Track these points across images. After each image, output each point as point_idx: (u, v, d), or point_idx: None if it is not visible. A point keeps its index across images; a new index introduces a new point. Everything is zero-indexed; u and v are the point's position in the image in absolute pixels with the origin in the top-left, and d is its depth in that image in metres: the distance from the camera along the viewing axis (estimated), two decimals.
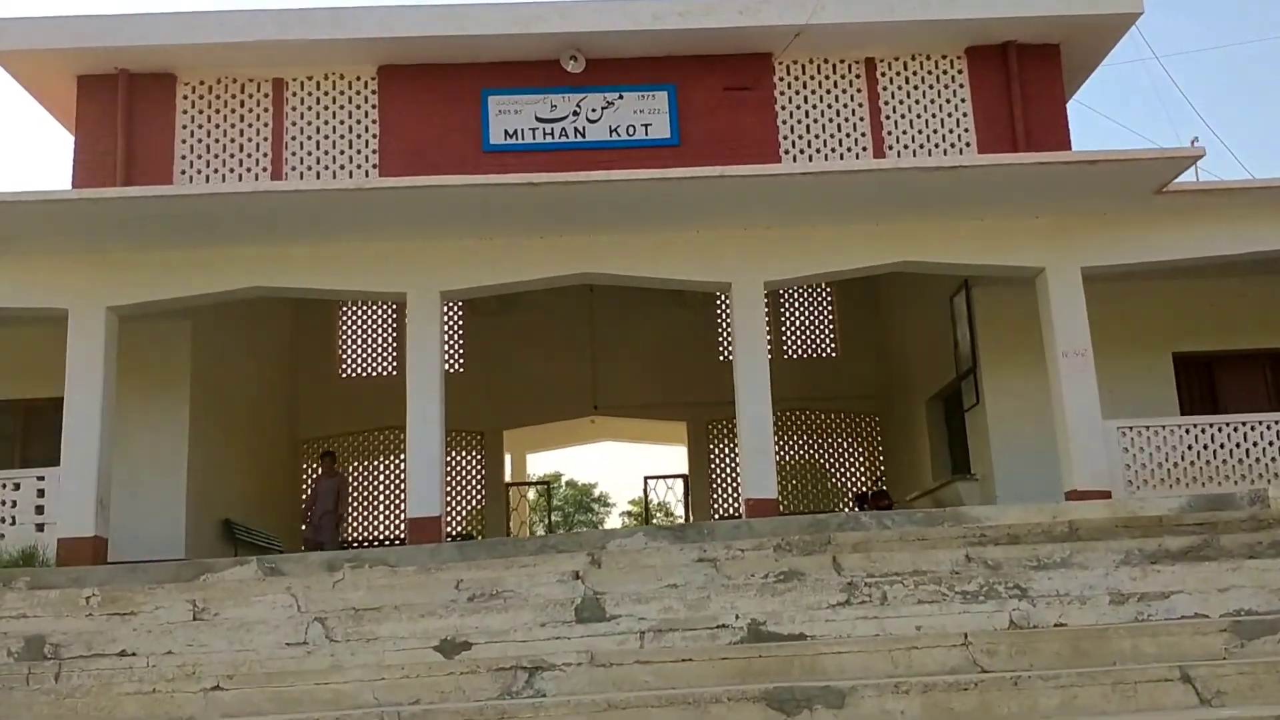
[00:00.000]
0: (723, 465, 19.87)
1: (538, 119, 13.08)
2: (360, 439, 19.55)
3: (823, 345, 20.19)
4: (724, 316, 20.17)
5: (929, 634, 6.53)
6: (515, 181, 10.97)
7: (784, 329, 20.17)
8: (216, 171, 13.01)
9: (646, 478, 20.60)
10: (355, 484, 19.50)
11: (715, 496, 19.69)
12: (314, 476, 19.18)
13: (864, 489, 18.43)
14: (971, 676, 5.67)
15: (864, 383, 19.67)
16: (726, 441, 19.90)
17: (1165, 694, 5.39)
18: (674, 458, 23.19)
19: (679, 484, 20.43)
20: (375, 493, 19.51)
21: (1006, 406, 14.57)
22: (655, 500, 20.39)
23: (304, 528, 14.41)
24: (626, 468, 51.15)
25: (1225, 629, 6.09)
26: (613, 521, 46.33)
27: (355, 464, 19.52)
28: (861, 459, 19.92)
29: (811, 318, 20.30)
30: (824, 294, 20.35)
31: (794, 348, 20.09)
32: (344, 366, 19.75)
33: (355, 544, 18.92)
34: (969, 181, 11.55)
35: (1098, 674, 5.48)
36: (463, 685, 6.38)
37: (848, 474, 19.88)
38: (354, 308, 19.74)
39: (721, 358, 19.93)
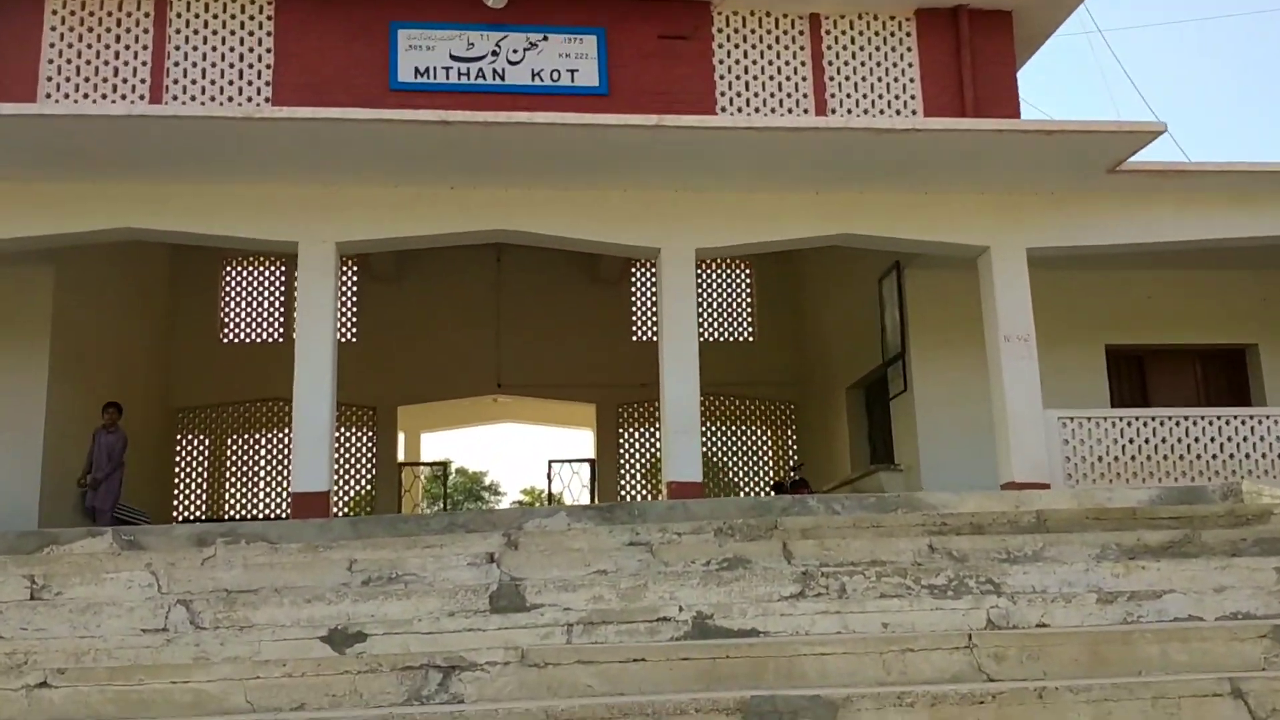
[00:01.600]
0: (634, 450, 18.90)
1: (452, 57, 11.87)
2: (241, 410, 18.08)
3: (739, 329, 19.32)
4: (639, 293, 19.26)
5: (923, 635, 5.61)
6: (426, 119, 9.80)
7: (699, 310, 19.22)
8: (87, 97, 11.51)
9: (551, 461, 19.49)
10: (236, 459, 18.05)
11: (624, 483, 18.69)
12: (184, 447, 17.86)
13: (783, 477, 17.62)
14: (984, 686, 4.76)
15: (781, 369, 18.88)
16: (639, 426, 18.96)
17: (1214, 711, 4.56)
18: (578, 441, 22.17)
19: (585, 469, 19.36)
20: (255, 469, 18.06)
21: (936, 394, 13.91)
22: (560, 487, 19.29)
23: (81, 489, 12.66)
24: (526, 451, 49.91)
25: (1265, 634, 5.30)
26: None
27: (236, 437, 18.04)
28: (777, 447, 19.13)
29: (727, 299, 19.41)
30: (742, 274, 19.49)
31: (709, 330, 19.19)
32: (226, 330, 18.24)
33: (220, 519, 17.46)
34: (915, 148, 10.75)
35: (1134, 686, 4.63)
36: (359, 687, 5.23)
37: (763, 462, 19.07)
38: (240, 266, 18.25)
39: (635, 338, 19.01)
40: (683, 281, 11.48)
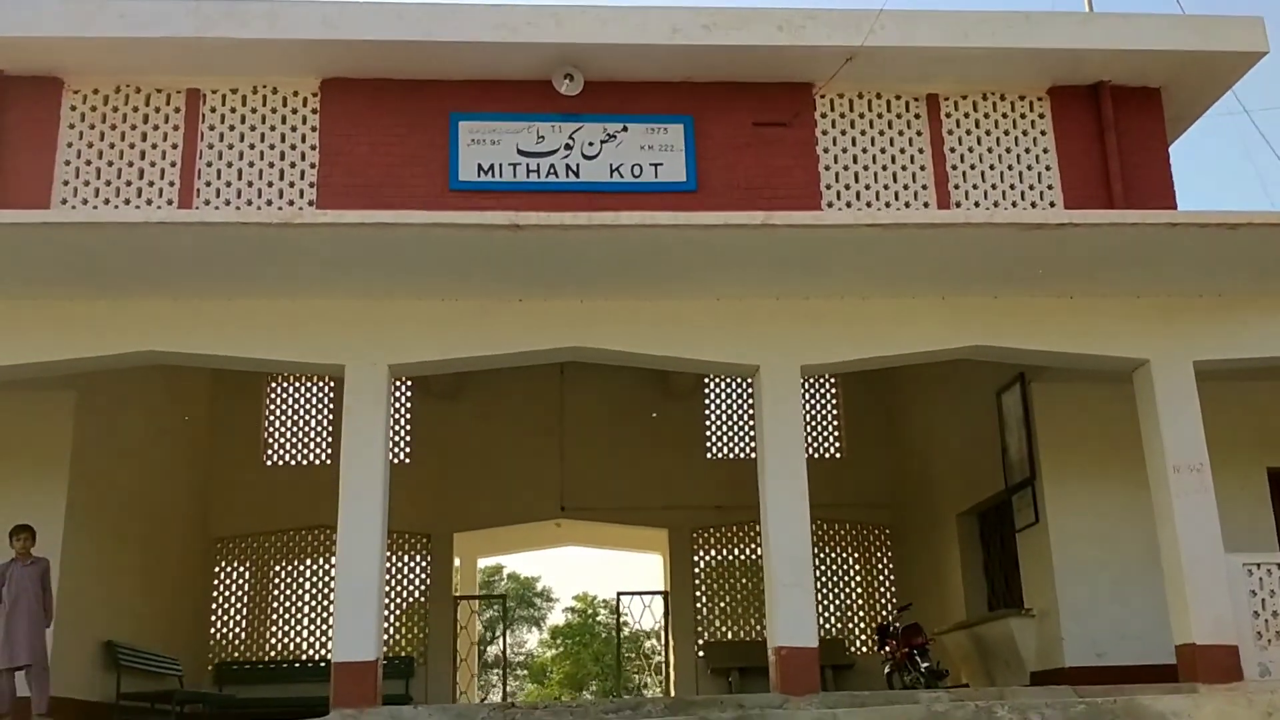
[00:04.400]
0: (710, 583, 17.03)
1: (521, 152, 10.45)
2: (286, 539, 16.53)
3: (826, 443, 17.53)
4: (717, 408, 17.60)
5: None
6: (493, 222, 8.30)
7: None
8: (108, 203, 10.20)
9: (620, 593, 17.68)
10: (281, 592, 16.44)
11: (702, 619, 16.80)
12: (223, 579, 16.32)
13: (887, 620, 15.67)
14: None
15: (873, 489, 17.05)
16: (715, 553, 17.15)
17: None
18: (647, 566, 20.39)
19: (657, 602, 17.53)
20: (301, 603, 16.43)
21: (1076, 528, 12.05)
22: (631, 621, 17.49)
23: None
24: (586, 562, 47.99)
25: None
26: (554, 618, 42.94)
27: (281, 568, 16.48)
28: (868, 578, 17.18)
29: (812, 410, 17.66)
30: (827, 383, 17.77)
31: None
32: (270, 452, 16.79)
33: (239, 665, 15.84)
34: (1061, 246, 9.09)
35: None
36: None
37: (854, 595, 17.12)
38: (286, 381, 16.88)
39: (710, 455, 17.31)
40: (787, 404, 9.79)
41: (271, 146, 10.42)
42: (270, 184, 10.33)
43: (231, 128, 10.42)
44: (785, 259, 9.24)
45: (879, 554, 17.28)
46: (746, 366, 9.94)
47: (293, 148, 10.42)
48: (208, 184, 10.24)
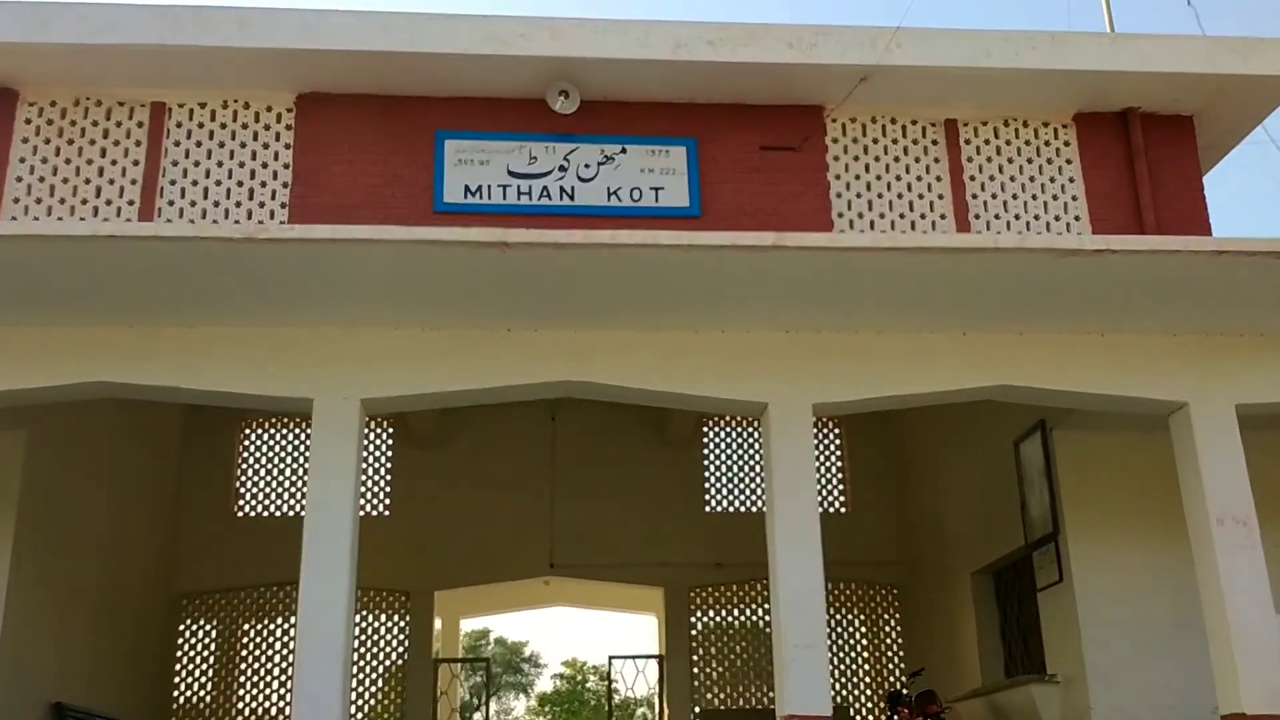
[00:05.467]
0: (708, 646, 16.07)
1: (511, 173, 9.70)
2: (256, 596, 15.56)
3: (829, 496, 16.68)
4: (716, 457, 16.75)
5: None
6: (480, 239, 7.54)
7: (773, 473, 16.67)
8: (61, 220, 9.41)
9: (612, 657, 16.67)
10: (250, 652, 15.44)
11: (699, 686, 15.82)
12: (188, 639, 15.32)
13: (900, 686, 14.70)
14: None
15: (880, 545, 16.15)
16: (714, 614, 16.21)
17: None
18: (640, 628, 19.40)
19: (651, 666, 16.54)
20: (272, 663, 15.43)
21: (1104, 587, 11.17)
22: (624, 686, 16.48)
23: None
24: (575, 624, 46.74)
25: None
26: (543, 684, 41.57)
27: (251, 626, 15.50)
28: (875, 640, 16.25)
29: (816, 461, 16.73)
30: (830, 431, 16.96)
31: None
32: (242, 502, 15.87)
33: None
34: (1093, 277, 8.35)
35: None
36: None
37: (860, 659, 16.17)
38: (261, 426, 16.03)
39: (709, 508, 16.43)
40: (797, 447, 8.98)
41: (241, 164, 9.66)
42: (238, 204, 9.55)
43: (198, 144, 9.66)
44: (796, 287, 8.48)
45: (886, 615, 16.36)
46: (754, 404, 9.12)
47: (264, 166, 9.66)
48: (170, 203, 9.46)
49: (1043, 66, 9.71)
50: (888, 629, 16.31)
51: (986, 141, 10.26)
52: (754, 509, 16.34)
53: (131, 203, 9.42)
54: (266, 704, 15.23)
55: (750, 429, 16.76)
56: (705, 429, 16.73)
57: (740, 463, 16.77)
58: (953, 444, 14.44)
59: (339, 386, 8.69)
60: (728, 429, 16.90)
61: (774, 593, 8.84)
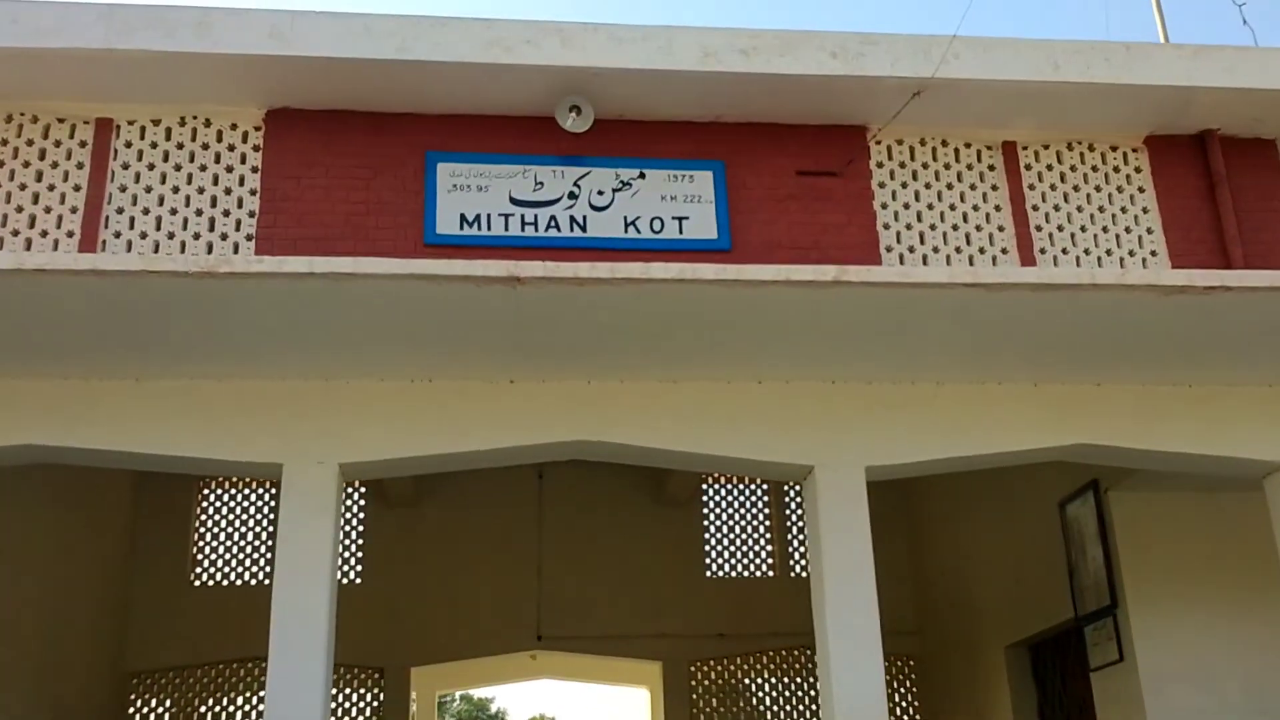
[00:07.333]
0: None
1: (514, 200, 8.44)
2: (215, 673, 14.06)
3: None
4: (717, 519, 15.45)
5: None
6: (486, 274, 6.27)
7: (774, 537, 15.45)
8: None
9: None
10: None
11: None
12: None
13: None
14: None
15: (893, 614, 14.71)
16: (717, 690, 14.85)
17: None
18: (637, 704, 17.95)
19: None
20: None
21: (1171, 668, 9.96)
22: None
23: None
24: (570, 709, 44.89)
25: None
26: None
27: (208, 707, 14.00)
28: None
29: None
30: None
31: (794, 563, 15.33)
32: (200, 570, 14.41)
33: None
34: (1201, 315, 7.19)
35: None
36: None
37: None
38: (220, 488, 14.62)
39: (710, 574, 15.12)
40: (851, 514, 7.83)
41: (200, 190, 8.33)
42: (197, 235, 8.20)
43: (150, 166, 8.33)
44: (848, 330, 7.27)
45: (903, 690, 15.06)
46: (798, 468, 7.88)
47: (227, 192, 8.34)
48: (116, 235, 8.12)
49: (1116, 81, 8.60)
50: (904, 705, 15.02)
51: (1049, 166, 9.13)
52: (759, 574, 15.14)
53: (70, 234, 8.08)
54: None
55: (752, 489, 15.59)
56: (705, 487, 15.48)
57: (743, 524, 15.54)
58: (981, 504, 13.20)
59: (313, 449, 7.40)
60: (729, 487, 15.66)
61: (823, 678, 7.68)
